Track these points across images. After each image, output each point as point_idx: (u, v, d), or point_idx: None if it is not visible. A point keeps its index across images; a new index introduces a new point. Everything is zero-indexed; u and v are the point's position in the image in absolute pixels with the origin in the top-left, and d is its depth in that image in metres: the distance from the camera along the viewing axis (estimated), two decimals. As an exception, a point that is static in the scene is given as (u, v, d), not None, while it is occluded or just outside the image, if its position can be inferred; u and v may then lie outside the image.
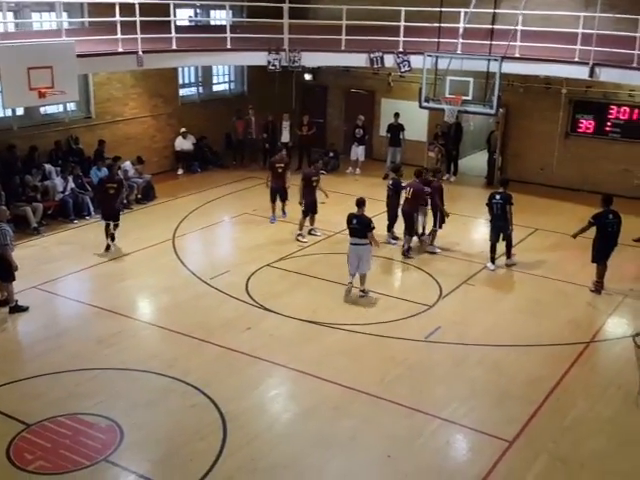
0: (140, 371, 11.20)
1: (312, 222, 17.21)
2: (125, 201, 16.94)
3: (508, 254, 15.88)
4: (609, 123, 21.16)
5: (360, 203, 13.89)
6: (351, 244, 13.85)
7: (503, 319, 13.40)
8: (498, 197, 15.44)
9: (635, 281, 15.08)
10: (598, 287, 14.40)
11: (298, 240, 16.77)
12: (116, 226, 16.22)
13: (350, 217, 13.89)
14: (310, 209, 16.97)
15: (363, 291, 14.11)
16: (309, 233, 17.16)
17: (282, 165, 17.94)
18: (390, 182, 16.87)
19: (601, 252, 14.27)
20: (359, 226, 13.74)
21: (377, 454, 9.41)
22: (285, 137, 23.50)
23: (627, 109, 20.82)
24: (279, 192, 18.01)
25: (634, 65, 16.30)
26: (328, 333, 12.65)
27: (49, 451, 9.19)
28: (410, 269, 15.70)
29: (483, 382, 11.22)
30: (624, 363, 11.59)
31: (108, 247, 16.09)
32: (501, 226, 15.52)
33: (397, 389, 10.90)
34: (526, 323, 13.22)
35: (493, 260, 15.68)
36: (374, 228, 13.87)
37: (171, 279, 14.81)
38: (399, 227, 16.74)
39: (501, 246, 15.72)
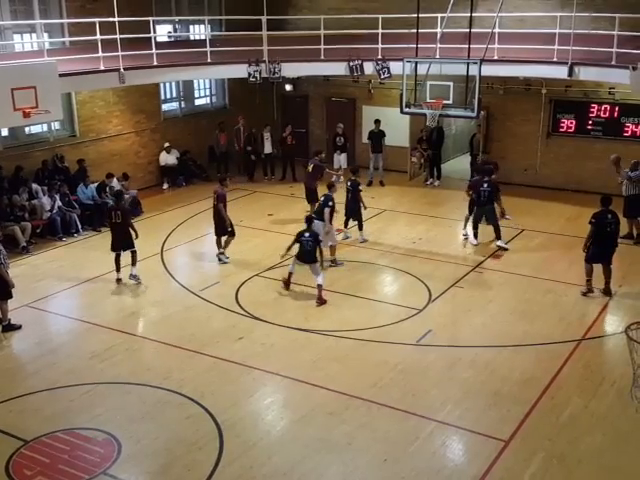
0: (135, 384, 11.22)
1: (226, 245, 16.45)
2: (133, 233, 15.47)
3: (499, 236, 16.91)
4: (590, 122, 21.35)
5: (329, 186, 16.21)
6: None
7: (494, 320, 13.49)
8: (486, 185, 16.81)
9: (624, 278, 15.19)
10: (590, 287, 14.39)
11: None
12: (133, 254, 15.14)
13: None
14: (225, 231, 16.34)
15: (332, 261, 15.66)
16: (220, 255, 16.41)
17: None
18: (348, 183, 17.47)
19: (597, 253, 14.24)
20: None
21: (374, 458, 9.46)
22: (267, 148, 23.57)
23: (607, 107, 21.01)
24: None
25: (613, 63, 16.44)
26: (320, 340, 12.71)
27: (48, 467, 9.21)
28: (398, 274, 15.77)
29: (476, 383, 11.28)
30: (617, 359, 11.72)
31: (119, 280, 15.25)
32: (487, 210, 16.93)
33: (391, 393, 10.96)
34: (517, 323, 13.31)
35: (476, 235, 17.24)
36: (329, 207, 15.62)
37: (161, 292, 14.85)
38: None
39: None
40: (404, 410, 10.49)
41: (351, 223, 17.79)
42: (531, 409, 10.49)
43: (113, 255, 15.21)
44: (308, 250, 14.35)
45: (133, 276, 15.26)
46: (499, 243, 17.02)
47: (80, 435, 9.90)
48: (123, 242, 15.17)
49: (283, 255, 14.99)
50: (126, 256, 15.23)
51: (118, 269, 15.26)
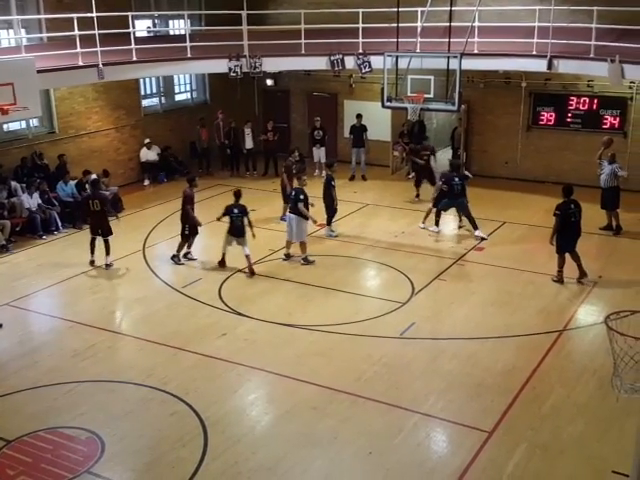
0: (118, 382, 11.19)
1: (190, 244, 16.28)
2: (114, 217, 16.55)
3: (475, 226, 17.19)
4: (569, 114, 21.48)
5: (297, 179, 16.35)
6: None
7: (476, 312, 13.56)
8: (457, 180, 17.24)
9: (604, 268, 15.31)
10: (560, 277, 14.64)
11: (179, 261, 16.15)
12: (106, 243, 15.73)
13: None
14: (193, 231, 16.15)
15: (304, 259, 15.69)
16: (185, 257, 16.22)
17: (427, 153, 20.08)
18: (324, 177, 17.85)
19: (565, 243, 14.45)
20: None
21: (358, 451, 9.48)
22: (249, 143, 23.53)
23: (586, 99, 21.14)
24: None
25: (591, 56, 16.54)
26: (303, 335, 12.71)
27: (31, 466, 9.15)
28: (381, 268, 15.80)
29: (459, 375, 11.33)
30: (597, 349, 11.78)
31: (92, 262, 15.85)
32: (460, 202, 17.40)
33: (375, 386, 10.98)
34: (499, 315, 13.38)
35: (438, 223, 17.75)
36: (301, 201, 15.59)
37: (144, 289, 14.80)
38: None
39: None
40: (388, 403, 10.52)
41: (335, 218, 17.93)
42: (514, 400, 10.55)
43: (90, 238, 15.93)
44: (238, 225, 15.26)
45: (107, 265, 15.78)
46: (477, 233, 17.20)
47: (63, 434, 9.85)
48: (101, 229, 15.78)
49: (219, 218, 15.57)
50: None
51: (92, 252, 15.86)
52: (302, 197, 15.73)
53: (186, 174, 22.61)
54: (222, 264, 15.63)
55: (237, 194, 15.59)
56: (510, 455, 9.31)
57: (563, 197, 14.44)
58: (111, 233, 15.79)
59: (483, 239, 17.11)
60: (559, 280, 14.62)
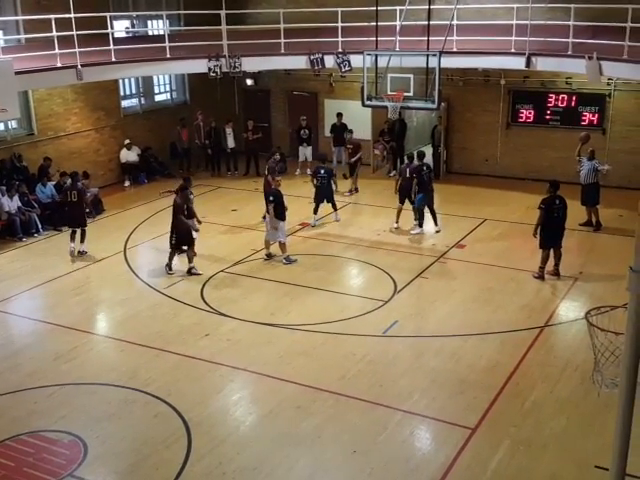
0: (100, 384, 11.13)
1: (190, 259, 15.52)
2: (88, 210, 17.49)
3: (436, 222, 17.72)
4: (548, 111, 21.59)
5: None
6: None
7: (458, 309, 13.61)
8: (426, 168, 17.53)
9: (584, 264, 15.42)
10: (541, 273, 14.72)
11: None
12: (83, 232, 16.57)
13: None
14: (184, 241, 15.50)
15: (285, 258, 15.72)
16: (189, 272, 15.44)
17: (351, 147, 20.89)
18: (322, 171, 18.05)
19: (547, 238, 14.54)
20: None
21: (343, 450, 9.49)
22: (231, 143, 23.49)
23: (565, 97, 21.25)
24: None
25: (569, 53, 16.62)
26: (286, 334, 12.71)
27: (13, 470, 9.11)
28: (363, 266, 15.82)
29: (443, 372, 11.37)
30: (579, 344, 11.85)
31: (72, 252, 16.47)
32: (431, 196, 17.57)
33: (358, 385, 11.00)
34: (481, 311, 13.44)
35: (421, 224, 17.73)
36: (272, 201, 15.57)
37: (125, 291, 14.73)
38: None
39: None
40: (372, 401, 10.54)
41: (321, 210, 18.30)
42: (497, 396, 10.61)
43: (69, 231, 16.70)
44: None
45: (81, 252, 16.56)
46: (437, 228, 17.60)
47: (45, 437, 9.80)
48: (78, 219, 16.60)
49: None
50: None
51: (72, 240, 16.56)
52: (271, 199, 15.64)
53: (166, 174, 22.68)
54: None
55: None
56: (494, 451, 9.35)
57: (549, 192, 14.52)
58: (86, 225, 16.66)
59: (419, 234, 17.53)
60: (540, 276, 14.70)
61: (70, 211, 16.63)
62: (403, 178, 17.59)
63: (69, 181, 17.06)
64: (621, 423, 5.53)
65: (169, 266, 15.48)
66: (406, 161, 18.25)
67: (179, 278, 15.18)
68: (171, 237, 15.38)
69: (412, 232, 17.55)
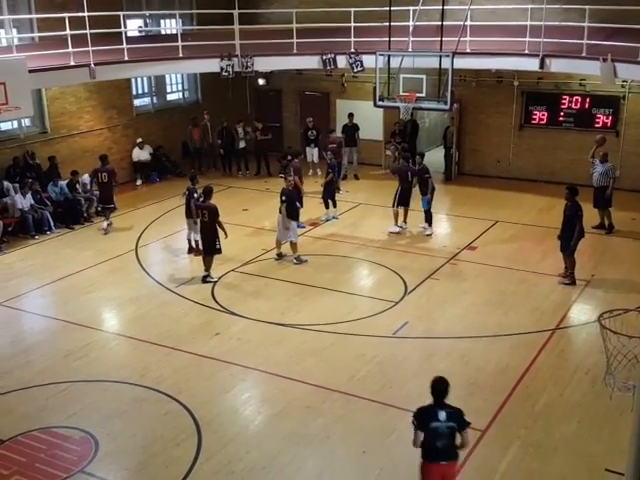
0: (111, 382, 11.18)
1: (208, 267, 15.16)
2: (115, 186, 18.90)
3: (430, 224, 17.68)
4: (562, 113, 21.50)
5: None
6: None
7: (469, 311, 13.57)
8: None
9: (596, 267, 15.35)
10: (572, 277, 14.53)
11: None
12: (109, 209, 18.28)
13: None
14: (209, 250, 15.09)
15: (296, 258, 15.60)
16: (204, 280, 15.07)
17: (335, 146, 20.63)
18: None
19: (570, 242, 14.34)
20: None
21: (352, 450, 9.49)
22: (242, 142, 23.51)
23: (579, 98, 21.17)
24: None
25: (583, 55, 16.56)
26: (296, 334, 12.70)
27: (25, 466, 9.14)
28: (374, 267, 15.81)
29: (452, 374, 11.20)
30: (590, 347, 11.82)
31: (105, 229, 18.06)
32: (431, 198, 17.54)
33: (368, 386, 10.99)
34: (491, 314, 13.39)
35: (431, 224, 17.62)
36: (284, 201, 15.54)
37: (137, 289, 14.76)
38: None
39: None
40: (381, 402, 10.53)
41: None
42: (507, 398, 10.57)
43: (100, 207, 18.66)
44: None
45: (104, 229, 18.00)
46: (429, 231, 17.54)
47: (57, 434, 9.83)
48: (106, 198, 18.26)
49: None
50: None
51: (105, 218, 18.25)
52: (284, 198, 15.65)
53: (178, 174, 22.69)
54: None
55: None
56: (503, 454, 9.32)
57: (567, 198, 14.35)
58: (111, 203, 18.33)
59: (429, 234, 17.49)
60: (572, 281, 14.56)
61: (100, 190, 18.28)
62: (405, 181, 17.47)
63: (85, 181, 17.40)
64: (637, 426, 5.50)
65: (208, 275, 15.00)
66: (403, 162, 18.06)
67: (190, 277, 15.19)
68: (211, 243, 14.83)
69: (426, 233, 17.50)
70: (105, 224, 18.07)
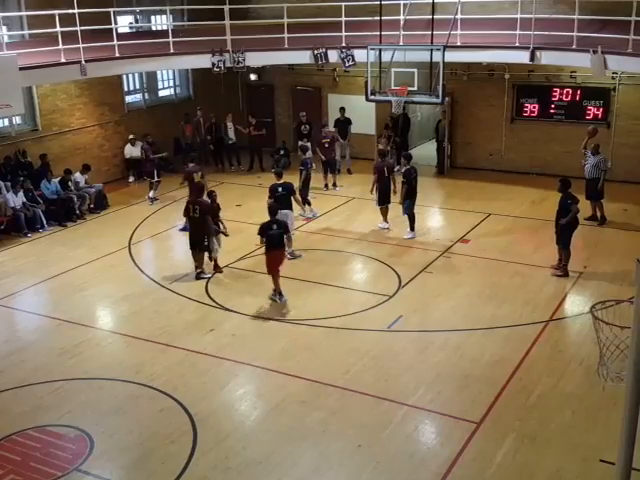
0: (106, 379, 11.18)
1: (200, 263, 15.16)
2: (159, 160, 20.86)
3: (413, 227, 17.13)
4: (553, 105, 21.55)
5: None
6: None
7: (462, 304, 13.61)
8: (413, 172, 16.82)
9: (588, 259, 15.40)
10: (565, 269, 14.60)
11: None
12: (151, 183, 20.29)
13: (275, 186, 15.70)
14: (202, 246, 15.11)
15: (290, 253, 15.33)
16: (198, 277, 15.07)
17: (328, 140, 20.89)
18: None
19: (568, 235, 14.44)
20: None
21: (348, 444, 9.51)
22: (231, 135, 23.50)
23: (569, 90, 21.21)
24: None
25: (574, 47, 16.57)
26: (291, 329, 12.73)
27: (20, 465, 9.14)
28: (367, 261, 15.83)
29: (447, 367, 11.38)
30: (583, 339, 11.87)
31: (150, 199, 20.00)
32: (414, 200, 16.98)
33: (363, 379, 11.02)
34: (485, 306, 13.43)
35: (413, 228, 17.05)
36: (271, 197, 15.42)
37: (130, 286, 14.74)
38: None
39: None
40: (376, 396, 10.56)
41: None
42: (501, 390, 10.61)
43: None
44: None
45: (151, 198, 20.14)
46: (411, 235, 17.05)
47: (52, 432, 9.83)
48: (148, 172, 20.42)
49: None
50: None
51: (150, 189, 20.29)
52: (280, 191, 15.64)
53: (170, 170, 22.64)
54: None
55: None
56: (499, 445, 9.36)
57: (560, 191, 14.39)
58: (152, 177, 20.32)
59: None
60: (565, 273, 14.63)
61: (140, 167, 20.93)
62: (382, 176, 17.25)
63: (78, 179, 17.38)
64: (627, 417, 5.54)
65: (202, 271, 15.03)
66: (378, 159, 17.89)
67: (184, 273, 15.19)
68: (199, 240, 14.91)
69: (405, 236, 17.02)
70: (151, 193, 20.13)
